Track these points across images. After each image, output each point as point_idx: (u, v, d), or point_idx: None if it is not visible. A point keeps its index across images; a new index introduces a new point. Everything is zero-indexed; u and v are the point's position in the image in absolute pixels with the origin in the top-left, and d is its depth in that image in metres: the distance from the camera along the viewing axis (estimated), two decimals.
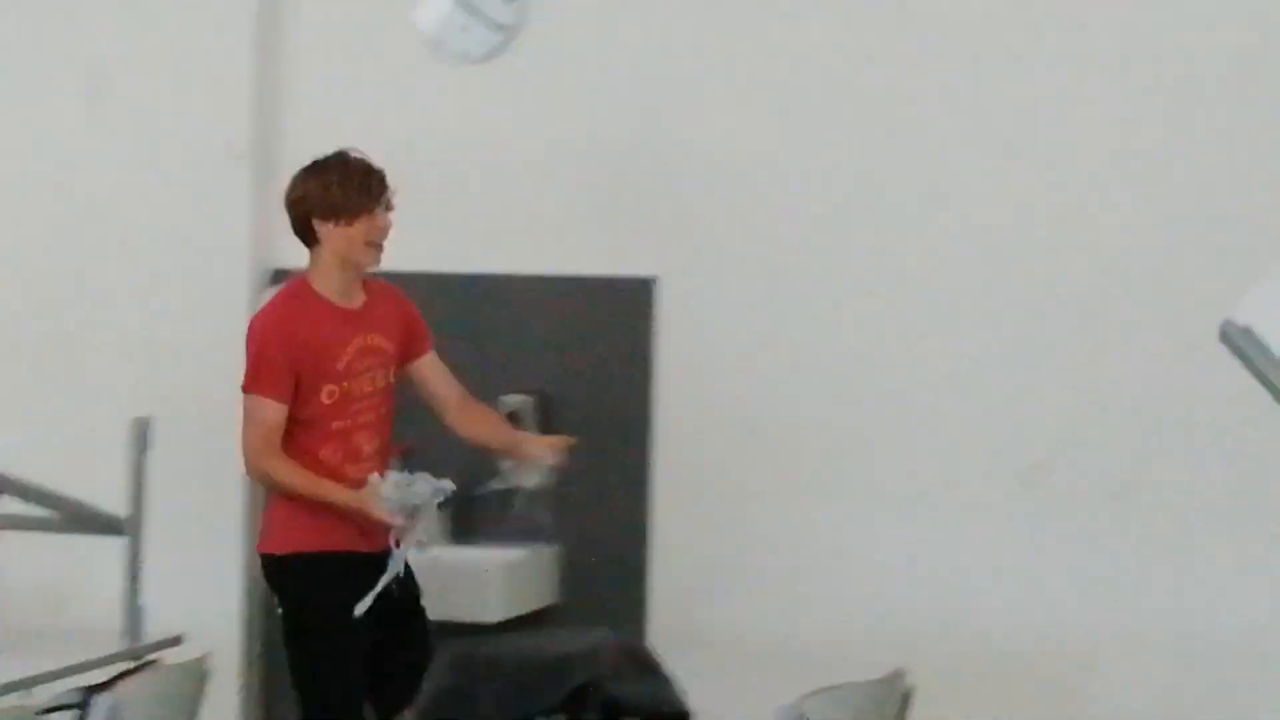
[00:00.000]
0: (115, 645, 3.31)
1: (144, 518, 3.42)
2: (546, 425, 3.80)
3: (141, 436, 3.37)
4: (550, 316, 4.06)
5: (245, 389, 3.16)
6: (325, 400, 3.15)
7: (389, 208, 3.22)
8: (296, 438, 3.12)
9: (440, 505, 3.17)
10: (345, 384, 3.21)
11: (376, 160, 3.35)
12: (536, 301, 4.01)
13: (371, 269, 3.27)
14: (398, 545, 3.11)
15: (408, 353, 3.33)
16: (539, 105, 4.01)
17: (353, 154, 3.24)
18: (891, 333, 3.94)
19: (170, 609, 3.47)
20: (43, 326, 4.32)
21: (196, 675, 3.03)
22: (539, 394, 3.80)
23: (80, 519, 3.43)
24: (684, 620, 3.84)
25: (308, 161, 3.34)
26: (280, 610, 3.20)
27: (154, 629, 3.32)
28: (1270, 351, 2.24)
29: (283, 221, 4.03)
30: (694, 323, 4.02)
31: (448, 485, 3.11)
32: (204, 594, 3.99)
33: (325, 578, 3.14)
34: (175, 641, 3.35)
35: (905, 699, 2.85)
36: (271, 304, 3.33)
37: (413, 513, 3.06)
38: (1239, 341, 2.20)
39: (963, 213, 3.89)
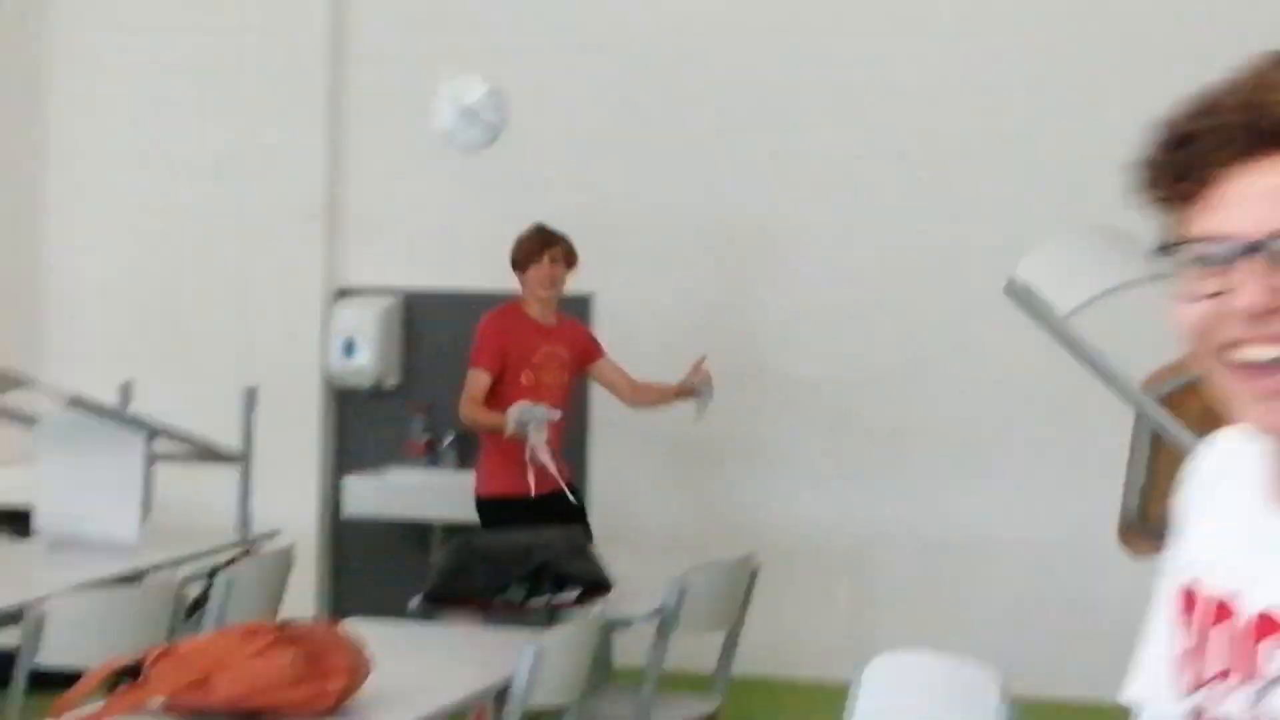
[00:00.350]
0: (231, 538, 3.80)
1: (252, 452, 3.91)
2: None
3: (250, 399, 3.90)
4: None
5: (470, 364, 3.74)
6: (523, 382, 3.73)
7: (557, 262, 3.77)
8: (503, 409, 3.69)
9: (548, 424, 3.67)
10: (537, 374, 3.80)
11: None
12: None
13: (547, 300, 3.82)
14: (532, 459, 3.63)
15: (583, 361, 3.94)
16: (516, 172, 4.39)
17: (544, 227, 3.81)
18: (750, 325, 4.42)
19: (268, 516, 3.94)
20: (182, 325, 4.84)
21: (285, 559, 3.55)
22: None
23: (208, 453, 3.90)
24: (613, 522, 4.26)
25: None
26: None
27: (257, 529, 3.83)
28: (1044, 302, 2.42)
29: (345, 254, 4.70)
30: (624, 326, 4.41)
31: (556, 413, 3.69)
32: (292, 505, 4.45)
33: (506, 514, 3.74)
34: (272, 535, 3.82)
35: (753, 574, 3.43)
36: (496, 312, 3.86)
37: (523, 426, 3.59)
38: (1020, 295, 2.40)
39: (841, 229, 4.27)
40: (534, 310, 3.80)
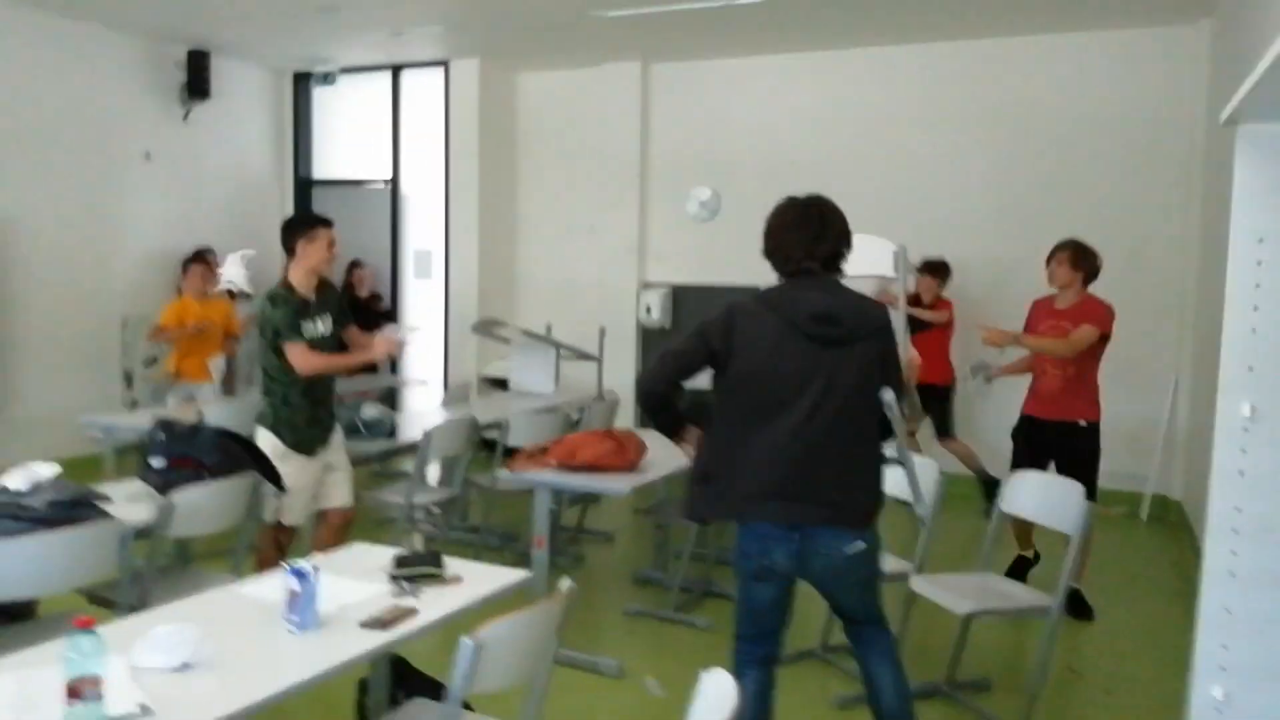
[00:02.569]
0: (594, 394, 6.04)
1: (604, 356, 6.32)
2: None
3: (602, 333, 6.42)
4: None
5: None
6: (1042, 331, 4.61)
7: (1059, 264, 4.51)
8: None
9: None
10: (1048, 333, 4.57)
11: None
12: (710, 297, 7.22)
13: (1057, 288, 4.57)
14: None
15: (1077, 323, 4.46)
16: (723, 231, 7.11)
17: (1068, 242, 4.59)
18: None
19: (610, 383, 6.36)
20: (576, 299, 7.71)
21: (615, 403, 5.59)
22: None
23: (584, 355, 6.20)
24: None
25: None
26: None
27: (604, 390, 6.14)
28: None
29: (646, 267, 7.49)
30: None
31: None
32: (621, 379, 6.82)
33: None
34: (611, 393, 5.96)
35: None
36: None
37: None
38: None
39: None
40: (1055, 298, 4.54)
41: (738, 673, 2.65)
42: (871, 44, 7.16)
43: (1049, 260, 4.48)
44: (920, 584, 3.73)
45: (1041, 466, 4.23)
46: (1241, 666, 1.64)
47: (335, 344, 4.06)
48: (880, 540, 2.77)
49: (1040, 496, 3.72)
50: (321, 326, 4.01)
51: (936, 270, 6.38)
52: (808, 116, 7.40)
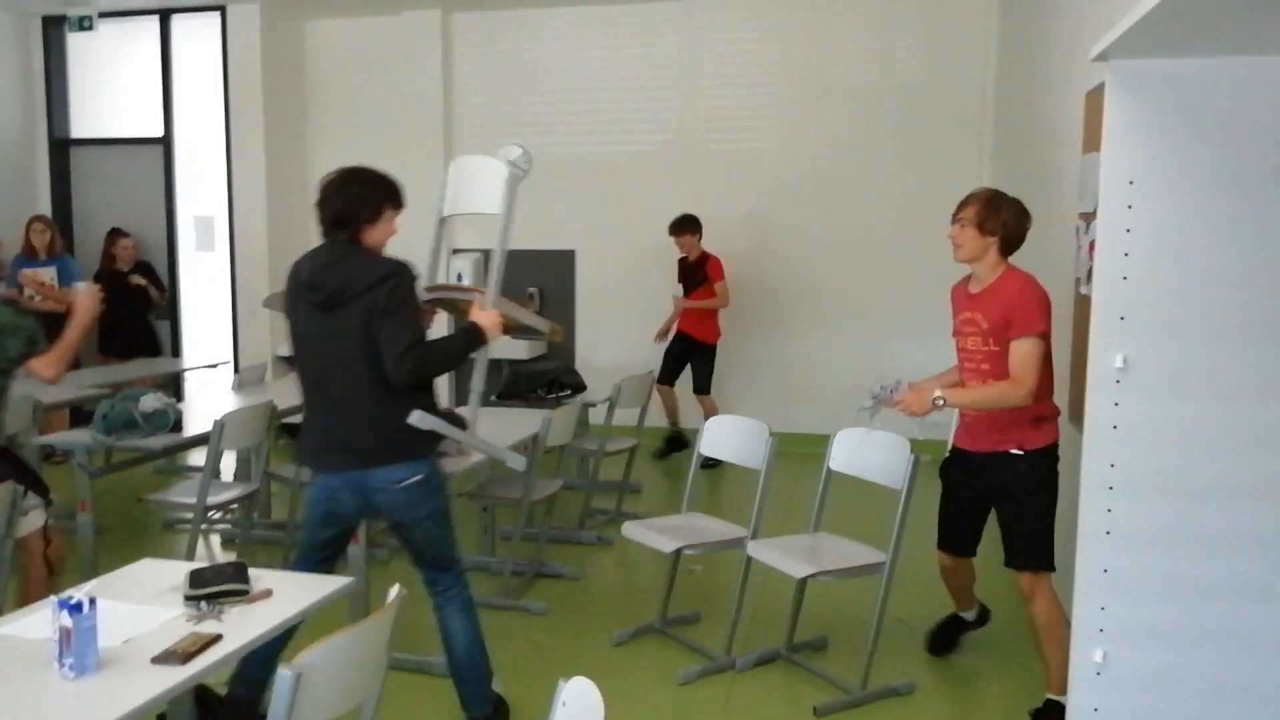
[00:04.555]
0: None
1: None
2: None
3: None
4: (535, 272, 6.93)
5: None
6: (956, 343, 3.29)
7: (957, 222, 3.12)
8: None
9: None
10: (958, 339, 3.29)
11: None
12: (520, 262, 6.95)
13: (964, 264, 3.19)
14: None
15: (1002, 334, 3.06)
16: (534, 189, 6.41)
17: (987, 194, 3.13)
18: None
19: None
20: None
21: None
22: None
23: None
24: (587, 355, 6.79)
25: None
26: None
27: None
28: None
29: (451, 227, 7.01)
30: (596, 275, 7.05)
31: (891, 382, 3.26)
32: None
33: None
34: None
35: (653, 380, 5.88)
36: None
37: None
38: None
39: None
40: (974, 279, 3.23)
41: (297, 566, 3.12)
42: None
43: (953, 223, 3.20)
44: (756, 549, 3.71)
45: (971, 516, 3.44)
46: (1120, 628, 1.62)
47: None
48: (440, 474, 3.03)
49: (864, 452, 3.73)
50: None
51: (689, 226, 6.56)
52: (620, 71, 7.26)
